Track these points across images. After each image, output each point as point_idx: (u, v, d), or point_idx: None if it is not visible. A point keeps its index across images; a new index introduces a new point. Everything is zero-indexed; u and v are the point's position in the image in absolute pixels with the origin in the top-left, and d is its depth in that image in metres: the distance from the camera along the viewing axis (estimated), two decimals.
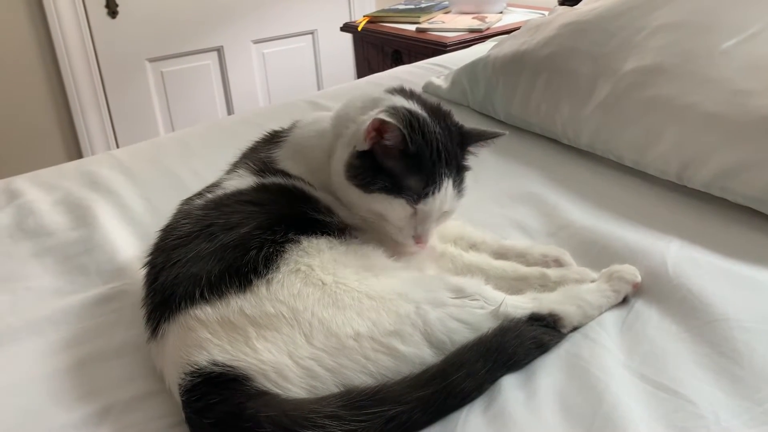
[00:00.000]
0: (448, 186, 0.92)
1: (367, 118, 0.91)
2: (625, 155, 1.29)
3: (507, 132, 1.00)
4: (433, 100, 1.03)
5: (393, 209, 0.92)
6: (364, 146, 0.90)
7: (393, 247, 0.95)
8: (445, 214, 0.96)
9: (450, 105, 1.69)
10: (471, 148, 0.98)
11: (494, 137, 0.98)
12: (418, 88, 1.87)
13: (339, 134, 0.99)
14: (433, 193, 0.90)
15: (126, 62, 2.97)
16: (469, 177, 0.99)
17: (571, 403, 0.76)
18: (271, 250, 0.84)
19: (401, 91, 1.01)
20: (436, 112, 0.97)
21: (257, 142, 1.12)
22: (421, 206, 0.91)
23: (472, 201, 1.00)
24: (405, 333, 0.80)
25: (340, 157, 0.95)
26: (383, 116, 0.87)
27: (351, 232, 0.93)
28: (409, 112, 0.92)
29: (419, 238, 0.94)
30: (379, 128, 0.88)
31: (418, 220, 0.92)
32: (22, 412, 0.87)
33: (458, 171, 0.94)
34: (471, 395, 0.78)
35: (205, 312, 0.80)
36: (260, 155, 1.05)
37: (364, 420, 0.71)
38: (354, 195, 0.93)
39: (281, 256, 0.84)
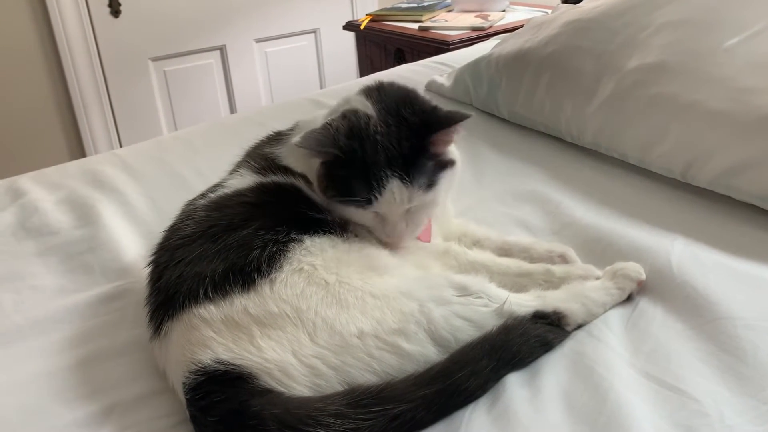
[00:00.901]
0: (393, 185, 0.89)
1: None
2: (629, 153, 1.29)
3: (472, 114, 0.93)
4: (401, 90, 0.99)
5: (351, 214, 0.93)
6: (319, 159, 0.93)
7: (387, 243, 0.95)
8: (418, 209, 0.93)
9: (453, 103, 1.71)
10: (437, 137, 0.92)
11: (459, 121, 0.91)
12: (420, 87, 1.87)
13: None
14: (378, 196, 0.89)
15: (129, 61, 2.98)
16: (471, 176, 0.98)
17: (576, 402, 0.76)
18: (274, 249, 0.84)
19: (367, 90, 0.99)
20: (391, 106, 0.93)
21: (260, 140, 1.12)
22: (373, 209, 0.91)
23: (475, 200, 1.00)
24: (409, 331, 0.80)
25: (315, 166, 0.96)
26: (298, 141, 0.89)
27: (351, 230, 0.93)
28: (347, 120, 0.92)
29: (390, 238, 0.93)
30: (303, 148, 0.90)
31: (381, 220, 0.93)
32: (26, 410, 0.87)
33: (408, 166, 0.89)
34: (475, 394, 0.78)
35: (209, 311, 0.81)
36: (263, 151, 1.06)
37: (369, 418, 0.71)
38: (327, 205, 0.95)
39: (284, 256, 0.84)
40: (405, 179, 0.89)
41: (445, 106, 1.03)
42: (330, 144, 0.89)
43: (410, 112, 0.93)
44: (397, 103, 0.94)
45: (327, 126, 0.92)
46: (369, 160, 0.89)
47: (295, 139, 0.89)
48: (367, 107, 0.94)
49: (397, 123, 0.91)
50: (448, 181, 0.95)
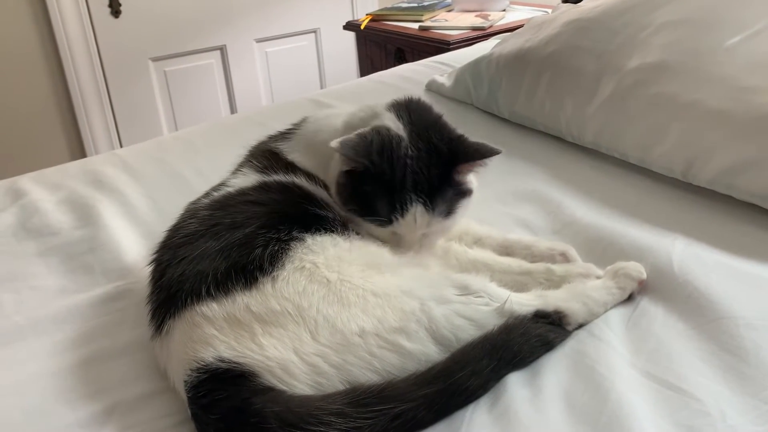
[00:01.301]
0: (416, 210, 0.90)
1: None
2: (630, 153, 1.29)
3: (502, 150, 0.95)
4: (430, 113, 1.01)
5: (367, 227, 0.94)
6: (344, 167, 0.93)
7: (395, 247, 0.95)
8: (434, 233, 0.96)
9: (453, 103, 1.71)
10: (463, 167, 0.94)
11: (488, 156, 0.94)
12: (421, 87, 1.87)
13: None
14: (399, 218, 0.91)
15: (129, 61, 2.98)
16: (472, 176, 0.98)
17: (577, 401, 0.76)
18: (276, 248, 0.84)
19: (397, 106, 1.00)
20: (422, 130, 0.95)
21: (264, 139, 1.13)
22: (392, 229, 0.92)
23: (476, 200, 0.99)
24: (410, 330, 0.80)
25: (334, 171, 0.97)
26: (335, 144, 0.89)
27: (353, 228, 0.94)
28: (380, 137, 0.92)
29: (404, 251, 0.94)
30: (339, 153, 0.91)
31: (398, 239, 0.94)
32: (28, 410, 0.87)
33: (433, 193, 0.91)
34: (476, 393, 0.78)
35: (212, 308, 0.81)
36: (268, 146, 1.06)
37: (370, 417, 0.71)
38: (344, 212, 0.95)
39: (286, 254, 0.84)
40: (428, 206, 0.91)
41: (447, 105, 1.03)
42: (364, 155, 0.90)
43: (439, 139, 0.94)
44: (428, 128, 0.96)
45: (363, 136, 0.92)
46: (397, 180, 0.90)
47: (334, 142, 0.89)
48: (399, 128, 0.95)
49: (427, 149, 0.93)
50: (464, 208, 0.97)
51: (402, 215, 0.91)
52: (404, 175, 0.90)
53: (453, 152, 0.93)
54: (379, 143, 0.92)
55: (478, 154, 0.93)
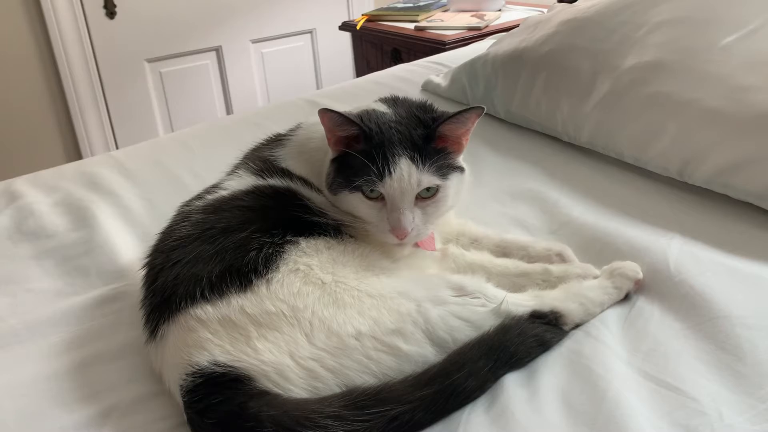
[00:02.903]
0: (402, 163, 0.89)
1: None
2: (626, 152, 1.29)
3: (484, 107, 0.95)
4: (415, 101, 1.03)
5: (357, 204, 0.91)
6: (332, 152, 0.93)
7: (389, 250, 0.94)
8: (428, 205, 0.91)
9: (449, 103, 1.71)
10: (445, 127, 0.92)
11: (467, 113, 0.92)
12: (417, 87, 1.87)
13: None
14: (388, 173, 0.88)
15: (124, 63, 2.97)
16: (468, 175, 0.98)
17: (574, 401, 0.76)
18: (270, 251, 0.84)
19: (386, 100, 1.04)
20: (406, 109, 0.98)
21: (260, 143, 1.12)
22: (381, 190, 0.89)
23: (473, 199, 0.99)
24: (407, 331, 0.80)
25: (327, 169, 0.97)
26: (323, 110, 0.90)
27: (347, 232, 0.93)
28: (366, 112, 0.95)
29: (395, 230, 0.90)
30: (324, 120, 0.91)
31: (388, 209, 0.90)
32: (23, 413, 0.86)
33: (418, 149, 0.90)
34: (473, 394, 0.78)
35: (206, 311, 0.80)
36: (263, 154, 1.06)
37: (367, 420, 0.71)
38: (334, 201, 0.95)
39: (281, 257, 0.84)
40: (415, 158, 0.89)
41: (443, 105, 1.03)
42: (354, 120, 0.91)
43: (422, 112, 0.96)
44: (411, 107, 0.99)
45: (349, 113, 0.94)
46: (384, 139, 0.90)
47: (323, 108, 0.91)
48: (384, 108, 0.99)
49: (409, 116, 0.95)
50: (457, 184, 0.95)
51: (391, 170, 0.88)
52: (390, 134, 0.91)
53: (434, 118, 0.94)
54: (366, 115, 0.94)
55: (458, 113, 0.92)
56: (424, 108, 0.99)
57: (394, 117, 0.95)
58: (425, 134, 0.92)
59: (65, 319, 1.04)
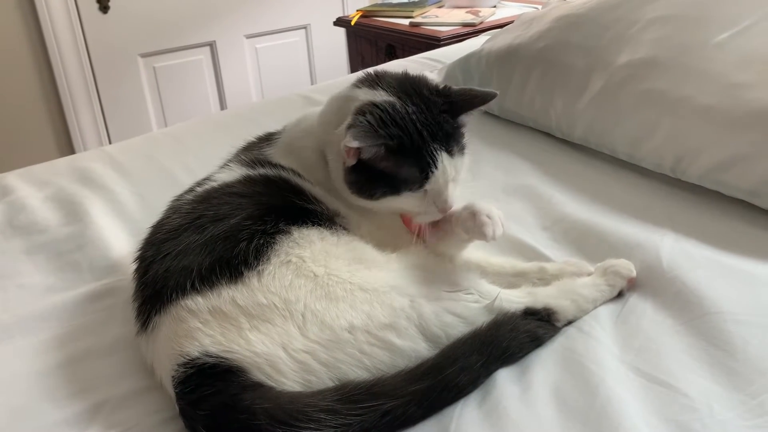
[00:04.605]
0: (443, 157, 0.89)
1: (340, 133, 0.89)
2: (619, 149, 1.29)
3: (497, 92, 0.97)
4: (398, 74, 0.98)
5: (403, 203, 0.92)
6: (352, 162, 0.90)
7: (392, 241, 0.94)
8: (458, 180, 0.94)
9: None
10: (464, 117, 0.95)
11: (487, 101, 0.96)
12: None
13: (326, 140, 0.97)
14: (432, 172, 0.89)
15: (118, 57, 2.95)
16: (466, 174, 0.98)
17: (566, 397, 0.76)
18: (261, 241, 0.83)
19: (366, 81, 0.97)
20: (405, 88, 0.93)
21: (250, 142, 1.11)
22: (428, 187, 0.90)
23: (466, 195, 0.99)
24: (400, 326, 0.80)
25: (338, 173, 0.94)
26: (350, 142, 0.84)
27: (340, 222, 0.92)
28: (377, 108, 0.88)
29: (443, 210, 0.92)
30: (351, 154, 0.88)
31: (433, 197, 0.91)
32: (14, 409, 0.86)
33: (448, 139, 0.91)
34: (466, 389, 0.78)
35: (196, 302, 0.80)
36: (253, 152, 1.05)
37: (360, 414, 0.71)
38: (367, 204, 0.93)
39: (272, 248, 0.83)
40: (451, 150, 0.91)
41: None
42: (376, 137, 0.86)
43: (428, 91, 0.94)
44: (405, 85, 0.94)
45: (358, 123, 0.87)
46: (415, 139, 0.88)
47: (347, 138, 0.85)
48: (381, 96, 0.92)
49: (424, 102, 0.92)
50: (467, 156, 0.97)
51: (436, 167, 0.89)
52: (418, 131, 0.89)
53: (451, 102, 0.93)
54: (378, 118, 0.88)
55: (478, 100, 0.95)
56: (416, 82, 0.95)
57: (407, 107, 0.89)
58: (454, 125, 0.93)
59: (57, 314, 1.04)
